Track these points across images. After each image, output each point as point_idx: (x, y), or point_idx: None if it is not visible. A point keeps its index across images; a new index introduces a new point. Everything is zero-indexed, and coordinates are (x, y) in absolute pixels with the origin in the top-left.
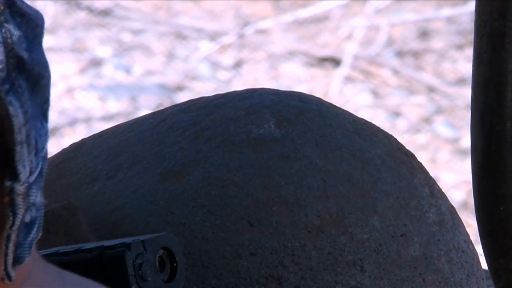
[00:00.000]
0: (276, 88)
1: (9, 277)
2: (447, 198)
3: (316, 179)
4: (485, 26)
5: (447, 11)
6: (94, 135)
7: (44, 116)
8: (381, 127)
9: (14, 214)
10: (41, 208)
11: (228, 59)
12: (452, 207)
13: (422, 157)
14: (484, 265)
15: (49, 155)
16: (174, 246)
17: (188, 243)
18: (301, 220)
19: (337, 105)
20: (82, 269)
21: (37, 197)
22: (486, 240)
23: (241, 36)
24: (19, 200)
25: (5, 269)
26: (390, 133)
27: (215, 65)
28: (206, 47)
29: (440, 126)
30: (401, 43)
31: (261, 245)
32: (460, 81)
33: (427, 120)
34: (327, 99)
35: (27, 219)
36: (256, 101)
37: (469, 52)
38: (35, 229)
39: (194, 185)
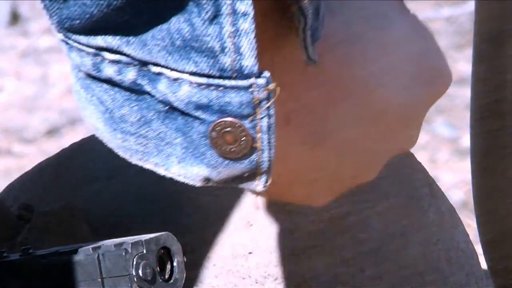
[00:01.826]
0: None
1: (313, 61)
2: (446, 198)
3: None
4: (485, 26)
5: (446, 11)
6: (94, 135)
7: None
8: None
9: (305, 17)
10: None
11: None
12: (452, 207)
13: (422, 157)
14: (484, 265)
15: (49, 155)
16: (174, 246)
17: (188, 243)
18: (301, 220)
19: None
20: (82, 269)
21: None
22: (486, 240)
23: None
24: (306, 3)
25: (308, 57)
26: None
27: None
28: None
29: (440, 126)
30: None
31: (261, 244)
32: (460, 81)
33: (427, 120)
34: None
35: (313, 7)
36: None
37: (469, 52)
38: (322, 7)
39: (194, 185)
